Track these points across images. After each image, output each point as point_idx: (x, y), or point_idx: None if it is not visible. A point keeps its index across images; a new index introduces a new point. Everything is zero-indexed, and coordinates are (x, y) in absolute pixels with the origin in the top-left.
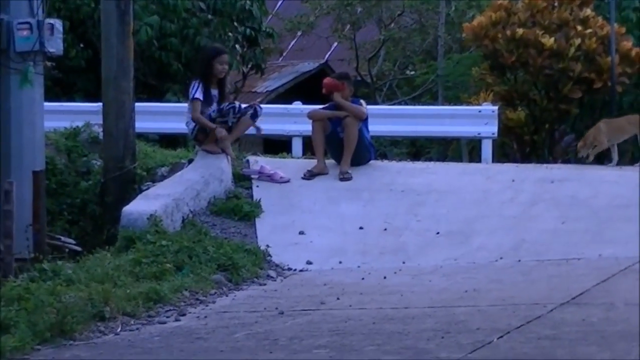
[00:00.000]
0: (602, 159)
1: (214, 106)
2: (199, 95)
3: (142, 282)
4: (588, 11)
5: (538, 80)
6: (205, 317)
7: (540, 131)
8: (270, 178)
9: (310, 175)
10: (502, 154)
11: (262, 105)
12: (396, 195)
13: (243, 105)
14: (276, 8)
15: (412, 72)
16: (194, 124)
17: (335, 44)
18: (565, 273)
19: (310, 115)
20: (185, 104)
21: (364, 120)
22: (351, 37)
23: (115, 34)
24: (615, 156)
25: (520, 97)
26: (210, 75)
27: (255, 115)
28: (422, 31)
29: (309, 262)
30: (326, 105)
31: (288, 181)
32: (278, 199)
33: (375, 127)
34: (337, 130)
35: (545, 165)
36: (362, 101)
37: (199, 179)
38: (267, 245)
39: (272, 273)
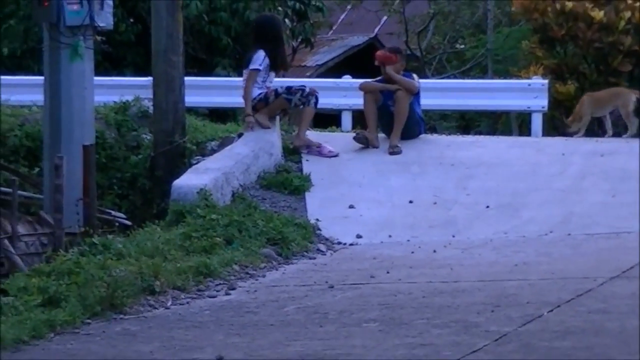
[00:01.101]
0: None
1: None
2: (258, 65)
3: (192, 256)
4: None
5: (588, 54)
6: (255, 291)
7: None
8: (319, 152)
9: (361, 135)
10: (551, 127)
11: (311, 80)
12: (445, 169)
13: (307, 90)
14: None
15: (462, 46)
16: (258, 93)
17: (385, 17)
18: (615, 246)
19: (362, 87)
20: (235, 79)
21: (415, 94)
22: (400, 11)
23: (165, 8)
24: (608, 128)
25: (569, 70)
26: (276, 41)
27: (316, 104)
28: (471, 4)
29: (358, 236)
30: (378, 78)
31: (337, 155)
32: (328, 173)
33: (425, 101)
34: (388, 104)
35: (594, 138)
36: (414, 75)
37: (248, 153)
38: (317, 219)
39: (322, 247)
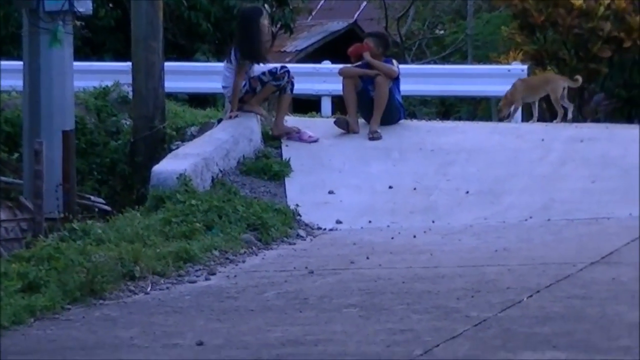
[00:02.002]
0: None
1: (260, 67)
2: (247, 57)
3: (172, 241)
4: None
5: (567, 40)
6: (235, 276)
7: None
8: (299, 137)
9: (341, 119)
10: (531, 114)
11: (291, 65)
12: (426, 155)
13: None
14: None
15: (442, 32)
16: (242, 85)
17: (365, 3)
18: (595, 232)
19: (342, 72)
20: (215, 64)
21: (395, 79)
22: None
23: None
24: (535, 114)
25: (549, 56)
26: (259, 35)
27: (292, 89)
28: None
29: (338, 222)
30: (358, 63)
31: (316, 141)
32: (307, 159)
33: (405, 87)
34: (368, 89)
35: (574, 124)
36: (394, 61)
37: (228, 139)
38: (297, 205)
39: (302, 232)
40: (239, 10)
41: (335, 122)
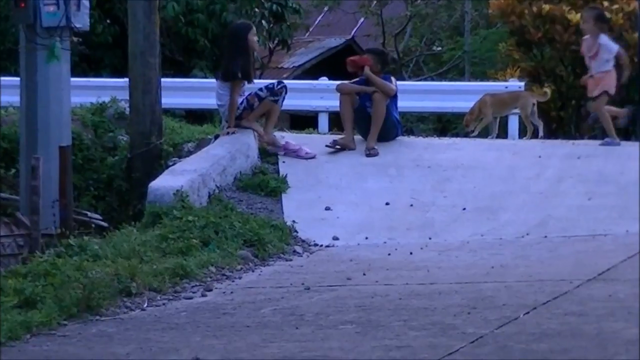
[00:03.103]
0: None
1: (257, 85)
2: (241, 74)
3: (168, 257)
4: None
5: (564, 57)
6: (232, 292)
7: (566, 107)
8: (296, 154)
9: (334, 144)
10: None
11: (288, 81)
12: (423, 171)
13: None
14: None
15: (439, 48)
16: (239, 102)
17: (362, 19)
18: (592, 249)
19: (339, 89)
20: (212, 80)
21: (392, 96)
22: (378, 13)
23: (141, 10)
24: (495, 129)
25: (546, 73)
26: (247, 51)
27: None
28: (449, 7)
29: (335, 238)
30: (355, 79)
31: (314, 157)
32: (304, 175)
33: (402, 103)
34: (366, 105)
35: (571, 141)
36: (392, 78)
37: (225, 155)
38: (294, 221)
39: (299, 249)
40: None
41: (327, 146)
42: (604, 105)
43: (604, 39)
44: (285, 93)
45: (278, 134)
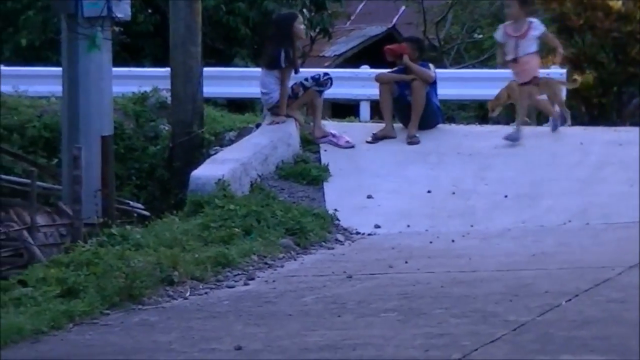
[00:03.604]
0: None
1: (302, 74)
2: (286, 62)
3: (210, 246)
4: None
5: (606, 43)
6: (274, 281)
7: (608, 94)
8: (336, 142)
9: (374, 139)
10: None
11: (330, 70)
12: (463, 159)
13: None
14: None
15: (480, 36)
16: (279, 91)
17: (403, 7)
18: (633, 236)
19: (378, 78)
20: (253, 69)
21: (431, 83)
22: (419, 1)
23: None
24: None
25: (588, 60)
26: (293, 40)
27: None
28: None
29: (376, 226)
30: (394, 68)
31: (353, 146)
32: (346, 163)
33: (443, 91)
34: (405, 94)
35: (613, 128)
36: (430, 65)
37: (267, 144)
38: (335, 209)
39: (340, 237)
40: (273, 15)
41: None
42: (536, 94)
43: (533, 19)
44: (331, 85)
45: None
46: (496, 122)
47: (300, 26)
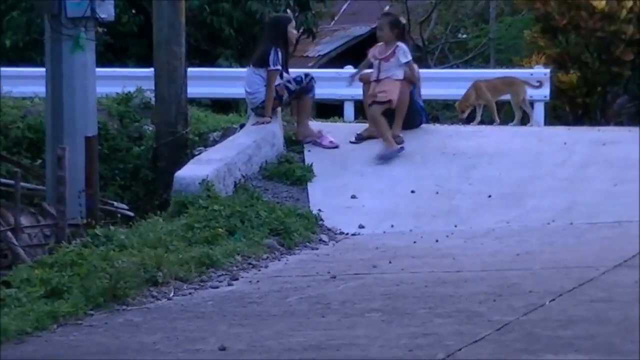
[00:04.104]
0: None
1: (286, 76)
2: (278, 65)
3: (194, 246)
4: None
5: (590, 43)
6: (258, 281)
7: (592, 94)
8: (320, 143)
9: (358, 139)
10: (554, 117)
11: (314, 70)
12: (448, 159)
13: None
14: None
15: (464, 36)
16: (264, 92)
17: (387, 7)
18: (618, 235)
19: (361, 78)
20: (238, 69)
21: (416, 83)
22: (403, 1)
23: None
24: (478, 117)
25: (572, 59)
26: (286, 42)
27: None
28: None
29: (361, 226)
30: None
31: (337, 147)
32: (330, 163)
33: (428, 91)
34: None
35: (597, 127)
36: (414, 65)
37: (250, 144)
38: (319, 210)
39: (324, 237)
40: (268, 17)
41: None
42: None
43: (402, 44)
44: (314, 83)
45: None
46: (481, 121)
47: (294, 31)
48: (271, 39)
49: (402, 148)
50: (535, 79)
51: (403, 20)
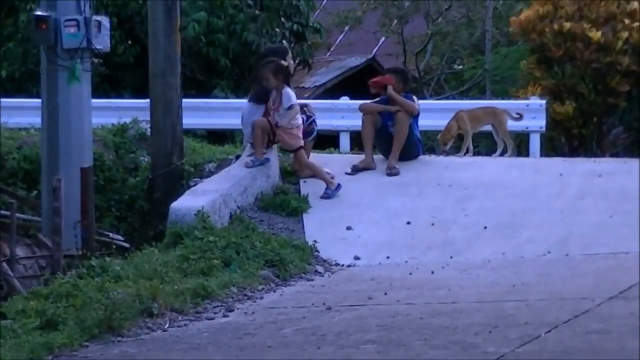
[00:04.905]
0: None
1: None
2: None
3: (190, 278)
4: (635, 4)
5: (586, 74)
6: (253, 312)
7: (588, 124)
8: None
9: (354, 170)
10: (550, 148)
11: (310, 101)
12: (444, 190)
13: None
14: (323, 3)
15: (460, 66)
16: None
17: (383, 38)
18: (613, 267)
19: (362, 108)
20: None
21: (415, 115)
22: (399, 32)
23: (162, 30)
24: (470, 146)
25: (568, 90)
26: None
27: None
28: (469, 25)
29: (356, 257)
30: (377, 99)
31: (332, 178)
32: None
33: (424, 122)
34: (388, 125)
35: (593, 158)
36: (414, 97)
37: (246, 175)
38: (315, 241)
39: (320, 268)
40: (264, 48)
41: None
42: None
43: (287, 89)
44: (316, 126)
45: None
46: (476, 152)
47: (290, 61)
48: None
49: (339, 185)
50: (516, 111)
51: (284, 62)
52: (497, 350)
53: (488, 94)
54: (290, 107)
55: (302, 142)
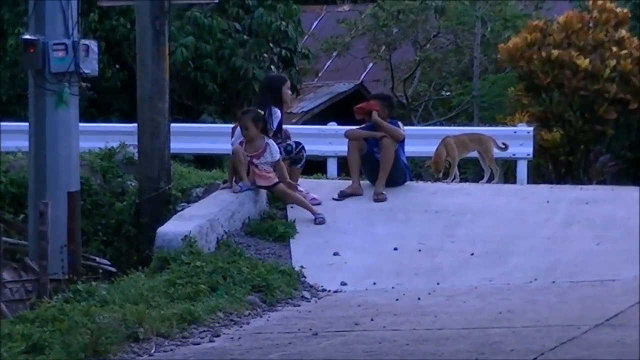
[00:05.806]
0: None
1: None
2: (274, 126)
3: (176, 303)
4: (623, 32)
5: (573, 101)
6: (240, 338)
7: (575, 152)
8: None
9: (341, 196)
10: (537, 175)
11: (297, 127)
12: (431, 216)
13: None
14: (312, 29)
15: (448, 93)
16: None
17: (371, 64)
18: (600, 294)
19: (348, 135)
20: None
21: (401, 141)
22: (387, 58)
23: (150, 55)
24: (457, 172)
25: (555, 118)
26: (281, 103)
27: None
28: (457, 52)
29: (343, 283)
30: (363, 125)
31: (320, 204)
32: (313, 220)
33: (411, 148)
34: (374, 151)
35: (580, 186)
36: (399, 123)
37: (233, 200)
38: (302, 266)
39: (307, 294)
40: (265, 77)
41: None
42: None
43: (271, 142)
44: (304, 153)
45: None
46: (464, 179)
47: (288, 91)
48: (265, 101)
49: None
50: (502, 140)
51: (261, 111)
52: None
53: (476, 120)
54: (278, 161)
55: (276, 179)
